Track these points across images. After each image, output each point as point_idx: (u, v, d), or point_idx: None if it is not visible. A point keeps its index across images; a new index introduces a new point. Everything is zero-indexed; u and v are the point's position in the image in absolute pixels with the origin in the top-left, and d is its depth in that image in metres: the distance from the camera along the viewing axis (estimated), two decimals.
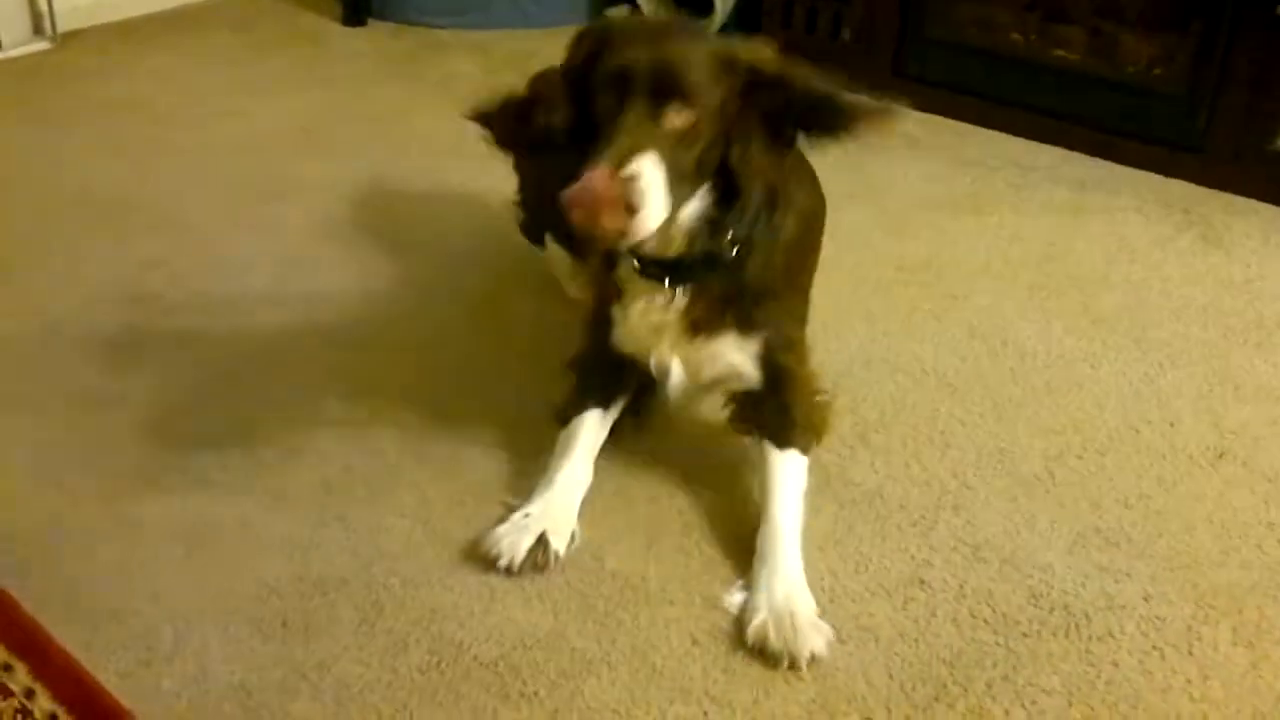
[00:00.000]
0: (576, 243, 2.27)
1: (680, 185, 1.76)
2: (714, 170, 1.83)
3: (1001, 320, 2.69)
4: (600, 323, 2.12)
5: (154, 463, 2.19)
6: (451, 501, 2.10)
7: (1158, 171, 3.37)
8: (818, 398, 2.15)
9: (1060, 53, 3.57)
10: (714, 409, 2.19)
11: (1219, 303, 2.77)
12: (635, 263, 1.95)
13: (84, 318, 2.61)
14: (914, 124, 3.46)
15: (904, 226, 3.07)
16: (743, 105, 1.80)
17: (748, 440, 2.13)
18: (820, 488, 2.10)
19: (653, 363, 2.06)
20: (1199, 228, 3.10)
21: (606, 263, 2.05)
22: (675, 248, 1.90)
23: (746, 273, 1.96)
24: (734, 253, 1.93)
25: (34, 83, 3.83)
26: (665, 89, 1.74)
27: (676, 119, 1.74)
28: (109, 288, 2.72)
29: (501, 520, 2.01)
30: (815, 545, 1.99)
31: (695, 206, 1.85)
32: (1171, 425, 2.35)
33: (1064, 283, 2.84)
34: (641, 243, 1.79)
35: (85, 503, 2.09)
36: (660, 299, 1.98)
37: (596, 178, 1.67)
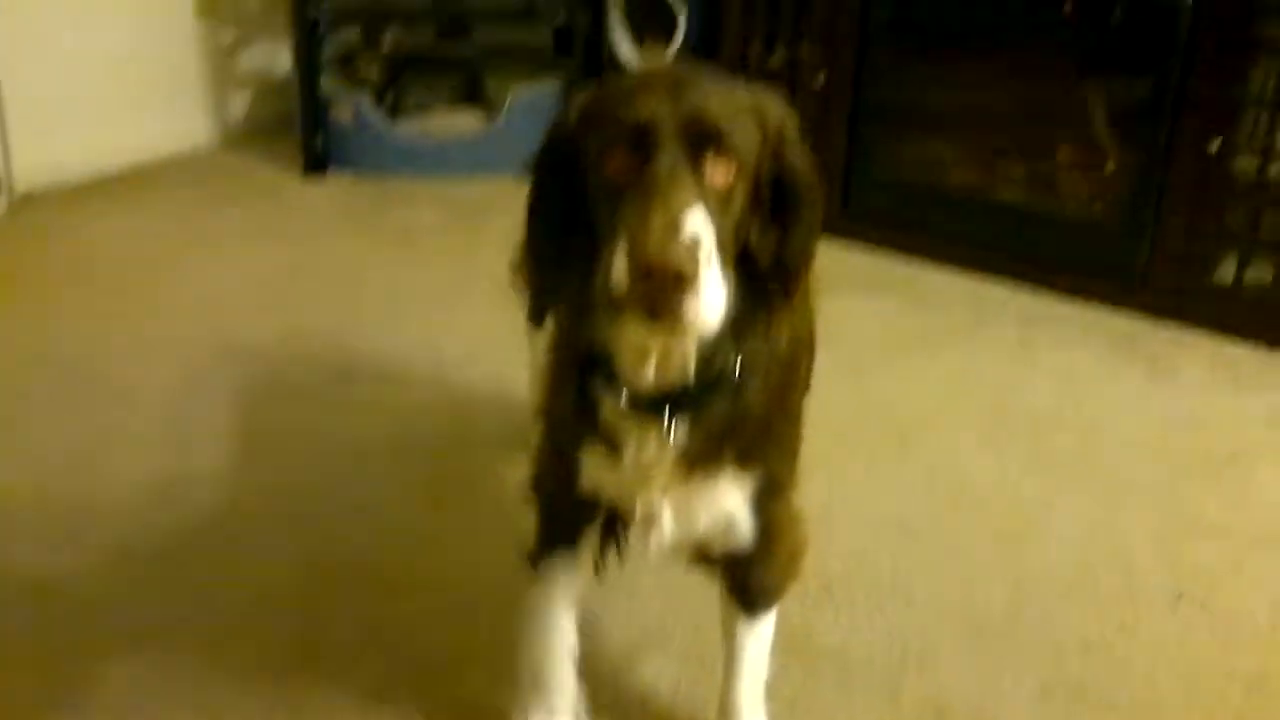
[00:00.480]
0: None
1: (723, 266, 1.39)
2: (738, 253, 1.47)
3: (959, 462, 2.72)
4: (559, 464, 1.78)
5: (88, 654, 2.12)
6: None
7: (1103, 305, 3.45)
8: (799, 549, 1.87)
9: (1004, 190, 3.68)
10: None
11: (1168, 438, 2.82)
12: (623, 399, 1.57)
13: (33, 492, 2.57)
14: (866, 263, 3.66)
15: (860, 368, 3.12)
16: (766, 171, 1.48)
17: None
18: (785, 647, 2.06)
19: (638, 511, 1.70)
20: (1145, 361, 3.17)
21: (576, 402, 1.66)
22: (685, 369, 1.53)
23: (748, 395, 1.60)
24: (738, 369, 1.57)
25: None
26: (702, 137, 1.40)
27: (716, 174, 1.40)
28: (61, 459, 2.70)
29: None
30: (782, 709, 1.97)
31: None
32: (1128, 567, 2.38)
33: (1018, 421, 2.89)
34: (700, 335, 1.43)
35: None
36: (654, 439, 1.60)
37: (651, 242, 1.31)
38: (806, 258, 1.52)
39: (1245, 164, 3.26)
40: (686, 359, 1.52)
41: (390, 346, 3.21)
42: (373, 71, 4.52)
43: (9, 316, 3.36)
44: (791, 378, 1.73)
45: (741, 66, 3.94)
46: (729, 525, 1.72)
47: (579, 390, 1.64)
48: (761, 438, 1.67)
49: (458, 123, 4.49)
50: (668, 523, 1.68)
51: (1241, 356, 3.19)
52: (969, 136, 3.75)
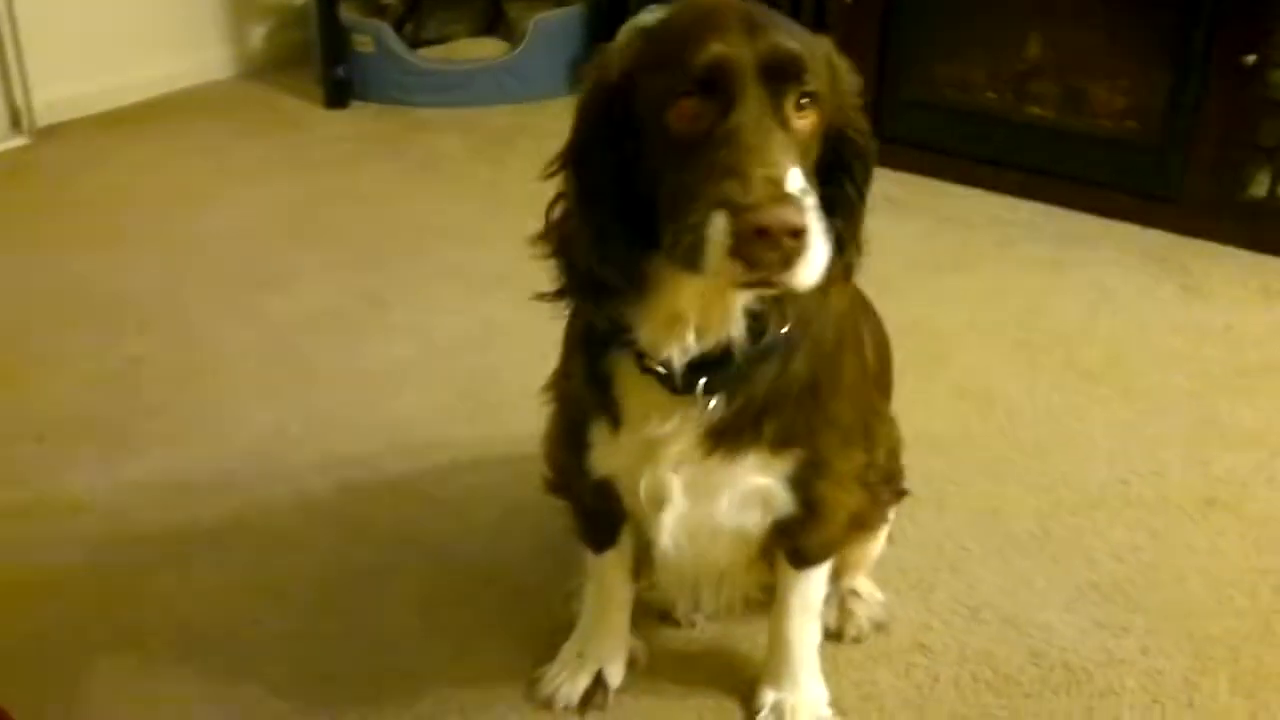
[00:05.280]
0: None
1: None
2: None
3: (989, 378, 2.71)
4: (570, 442, 1.66)
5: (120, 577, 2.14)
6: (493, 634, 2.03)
7: (1136, 222, 3.42)
8: (852, 517, 1.71)
9: (1035, 109, 3.65)
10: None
11: (1200, 350, 2.81)
12: (660, 368, 1.44)
13: (67, 418, 2.59)
14: (896, 184, 3.63)
15: (890, 287, 3.02)
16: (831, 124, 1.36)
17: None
18: None
19: (642, 489, 1.56)
20: (1178, 277, 3.15)
21: (586, 368, 1.55)
22: (724, 336, 1.42)
23: (795, 365, 1.47)
24: (786, 333, 1.44)
25: (13, 179, 3.83)
26: (786, 77, 1.26)
27: (801, 120, 1.29)
28: (94, 387, 2.71)
29: (552, 656, 1.90)
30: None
31: None
32: (1160, 476, 2.38)
33: (1048, 337, 2.88)
34: (796, 296, 1.33)
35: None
36: (678, 415, 1.48)
37: (763, 198, 1.18)
38: (861, 220, 1.42)
39: None
40: (729, 322, 1.41)
41: (421, 273, 3.22)
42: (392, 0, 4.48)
43: (36, 248, 3.37)
44: (846, 346, 1.59)
45: None
46: (762, 502, 1.59)
47: (589, 360, 1.54)
48: (807, 414, 1.52)
49: (480, 50, 4.46)
50: (679, 502, 1.55)
51: (1274, 270, 3.17)
52: (1000, 55, 3.70)
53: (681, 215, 1.25)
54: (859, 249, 1.44)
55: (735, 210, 1.19)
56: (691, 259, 1.24)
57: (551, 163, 1.42)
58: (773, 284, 1.24)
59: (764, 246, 1.19)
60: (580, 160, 1.38)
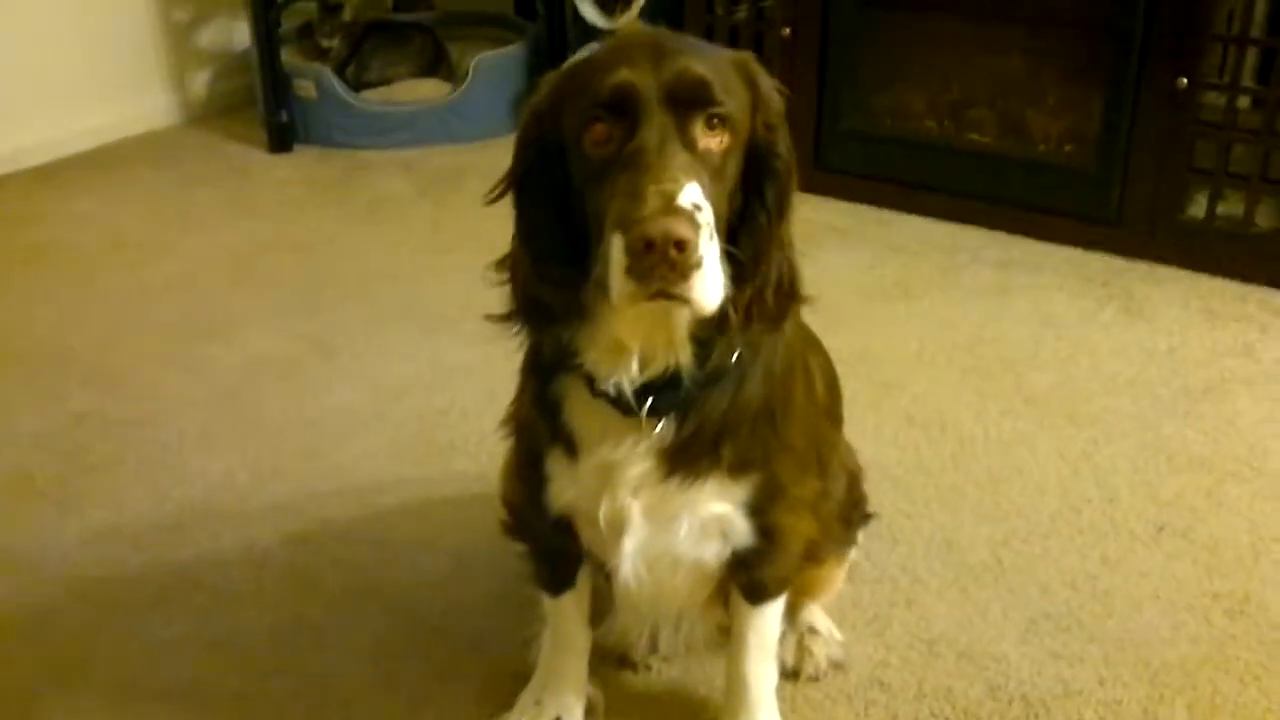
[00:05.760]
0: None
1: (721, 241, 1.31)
2: (729, 230, 1.36)
3: (938, 407, 2.72)
4: (527, 475, 1.66)
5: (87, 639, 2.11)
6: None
7: (1077, 245, 3.46)
8: (807, 544, 1.72)
9: (974, 136, 3.68)
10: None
11: (1145, 374, 2.83)
12: (610, 390, 1.46)
13: (10, 475, 2.54)
14: (840, 214, 3.65)
15: (838, 317, 3.10)
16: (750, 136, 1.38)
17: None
18: None
19: (601, 516, 1.55)
20: (1120, 300, 3.18)
21: (536, 395, 1.58)
22: (670, 361, 1.44)
23: (747, 390, 1.50)
24: (736, 360, 1.47)
25: None
26: (690, 100, 1.31)
27: (710, 139, 1.33)
28: (37, 443, 2.66)
29: (509, 705, 1.89)
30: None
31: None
32: (1110, 502, 2.39)
33: (996, 364, 2.90)
34: (701, 319, 1.34)
35: None
36: (631, 438, 1.50)
37: (647, 212, 1.22)
38: (777, 244, 1.41)
39: (1213, 100, 3.26)
40: (674, 349, 1.42)
41: (367, 317, 3.19)
42: (333, 43, 4.46)
43: None
44: (796, 375, 1.61)
45: (707, 22, 3.92)
46: (721, 531, 1.60)
47: (539, 385, 1.56)
48: (763, 439, 1.54)
49: (422, 91, 4.45)
50: (639, 528, 1.55)
51: (1215, 290, 3.21)
52: (937, 84, 3.74)
53: (598, 243, 1.31)
54: (785, 274, 1.42)
55: (626, 226, 1.24)
56: (604, 287, 1.29)
57: (495, 186, 1.45)
58: (672, 296, 1.26)
59: (652, 259, 1.23)
60: (520, 185, 1.43)
